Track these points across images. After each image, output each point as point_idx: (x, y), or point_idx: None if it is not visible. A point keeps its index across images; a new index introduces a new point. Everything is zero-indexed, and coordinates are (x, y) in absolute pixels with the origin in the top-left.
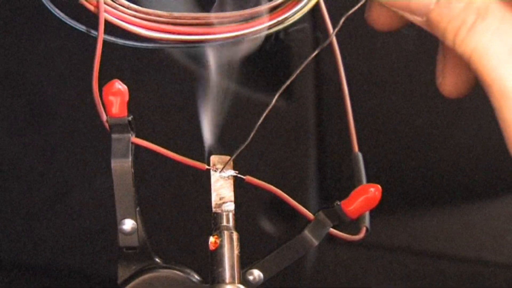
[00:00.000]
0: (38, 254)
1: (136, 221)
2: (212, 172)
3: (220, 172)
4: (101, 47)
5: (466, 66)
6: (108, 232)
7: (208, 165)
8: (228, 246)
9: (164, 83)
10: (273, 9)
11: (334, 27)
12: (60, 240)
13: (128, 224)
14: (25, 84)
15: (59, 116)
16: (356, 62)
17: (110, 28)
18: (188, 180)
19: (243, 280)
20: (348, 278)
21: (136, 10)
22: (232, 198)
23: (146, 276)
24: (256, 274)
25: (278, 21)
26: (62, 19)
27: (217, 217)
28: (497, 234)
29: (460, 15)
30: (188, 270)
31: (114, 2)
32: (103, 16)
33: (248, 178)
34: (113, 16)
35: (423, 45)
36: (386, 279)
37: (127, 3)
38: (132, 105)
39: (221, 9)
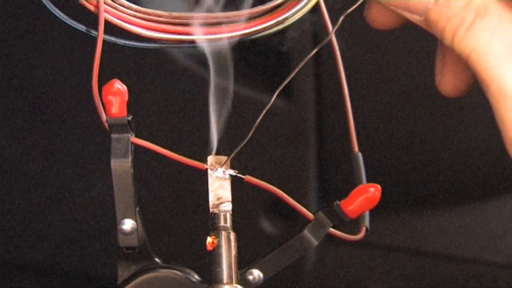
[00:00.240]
0: (38, 254)
1: (136, 221)
2: (209, 172)
3: (218, 171)
4: (101, 47)
5: (464, 65)
6: (107, 232)
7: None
8: (225, 246)
9: (164, 83)
10: (273, 9)
11: (334, 27)
12: (60, 240)
13: (128, 224)
14: (25, 84)
15: (59, 116)
16: (356, 62)
17: (110, 28)
18: (188, 180)
19: (243, 280)
20: (348, 278)
21: (136, 10)
22: (230, 198)
23: (145, 276)
24: (255, 274)
25: (278, 21)
26: (62, 19)
27: (214, 217)
28: (497, 234)
29: (459, 14)
30: (188, 270)
31: (114, 2)
32: (103, 16)
33: (247, 178)
34: (113, 16)
35: (423, 44)
36: (386, 279)
37: (127, 3)
38: (132, 105)
39: (221, 9)
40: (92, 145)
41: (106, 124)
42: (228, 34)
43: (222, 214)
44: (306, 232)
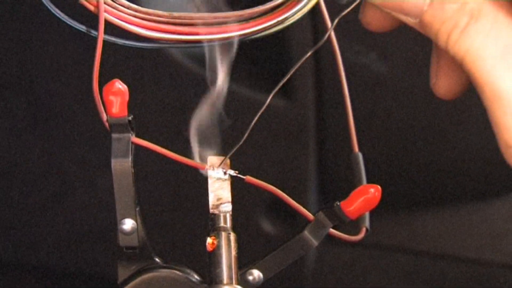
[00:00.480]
0: (38, 254)
1: (136, 221)
2: (209, 173)
3: (218, 172)
4: (101, 47)
5: (459, 67)
6: (108, 232)
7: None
8: (225, 247)
9: (164, 83)
10: (273, 9)
11: (334, 27)
12: (60, 240)
13: (128, 224)
14: (25, 84)
15: (60, 116)
16: (356, 62)
17: (110, 28)
18: (188, 180)
19: (243, 280)
20: (348, 278)
21: (136, 10)
22: (230, 199)
23: (145, 276)
24: (255, 274)
25: (278, 21)
26: (62, 19)
27: (214, 218)
28: (497, 234)
29: (453, 17)
30: (188, 270)
31: (114, 2)
32: (103, 16)
33: (248, 178)
34: (113, 16)
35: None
36: (386, 279)
37: (127, 3)
38: (132, 105)
39: (221, 9)
40: (92, 145)
41: (106, 124)
42: (228, 34)
43: (222, 214)
44: (306, 233)
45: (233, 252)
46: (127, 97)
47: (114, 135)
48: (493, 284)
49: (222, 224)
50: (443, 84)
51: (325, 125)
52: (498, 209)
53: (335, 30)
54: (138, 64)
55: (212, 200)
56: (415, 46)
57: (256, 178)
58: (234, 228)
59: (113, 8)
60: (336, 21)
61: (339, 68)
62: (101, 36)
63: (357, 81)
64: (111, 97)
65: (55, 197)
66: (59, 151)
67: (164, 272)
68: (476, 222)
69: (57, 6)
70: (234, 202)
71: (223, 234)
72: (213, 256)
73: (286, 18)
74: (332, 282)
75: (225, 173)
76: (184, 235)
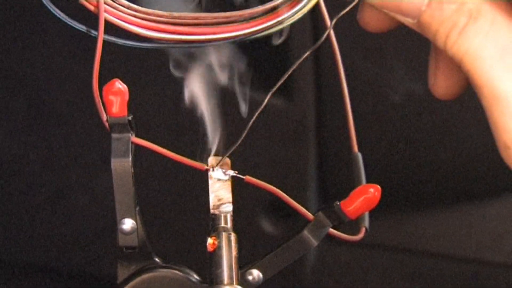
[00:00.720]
0: (38, 254)
1: (135, 220)
2: (210, 174)
3: (218, 172)
4: (101, 47)
5: (457, 68)
6: (108, 232)
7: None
8: (226, 247)
9: (164, 83)
10: (273, 9)
11: (334, 27)
12: (60, 240)
13: (128, 224)
14: (25, 84)
15: (59, 116)
16: (356, 62)
17: (110, 28)
18: (188, 180)
19: (243, 280)
20: (348, 278)
21: (136, 10)
22: (230, 200)
23: (145, 276)
24: (255, 274)
25: (278, 21)
26: (62, 19)
27: (215, 218)
28: (497, 234)
29: (452, 17)
30: (188, 270)
31: (114, 2)
32: (103, 16)
33: (248, 178)
34: (113, 16)
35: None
36: (386, 279)
37: (127, 3)
38: (132, 105)
39: (221, 9)
40: (92, 145)
41: (106, 124)
42: (228, 34)
43: (222, 215)
44: (306, 233)
45: (234, 253)
46: (127, 97)
47: (114, 135)
48: (493, 284)
49: (222, 224)
50: (441, 85)
51: (325, 125)
52: (498, 209)
53: (335, 30)
54: (138, 64)
55: (212, 200)
56: (415, 45)
57: (256, 178)
58: (234, 228)
59: (113, 8)
60: (334, 20)
61: (339, 68)
62: (101, 36)
63: (357, 81)
64: (111, 97)
65: (55, 197)
66: (58, 151)
67: (164, 272)
68: (476, 222)
69: (57, 6)
70: (234, 202)
71: (224, 234)
72: (214, 257)
73: (286, 18)
74: (332, 282)
75: (225, 173)
76: (184, 235)
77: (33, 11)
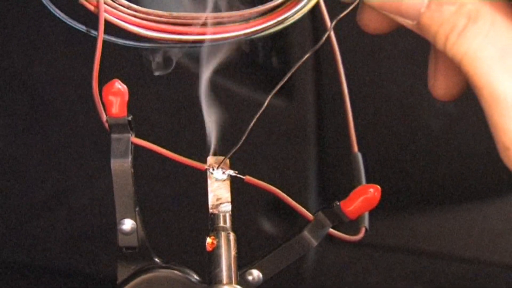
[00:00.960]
0: (38, 254)
1: (135, 221)
2: (208, 173)
3: (217, 172)
4: (101, 47)
5: (457, 69)
6: (107, 232)
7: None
8: (225, 247)
9: (164, 83)
10: (273, 9)
11: (334, 28)
12: (60, 240)
13: (128, 224)
14: (25, 84)
15: (59, 116)
16: (356, 62)
17: (110, 28)
18: (188, 180)
19: (242, 280)
20: (348, 278)
21: (136, 10)
22: (229, 199)
23: (145, 276)
24: (255, 274)
25: (278, 21)
26: (62, 19)
27: (214, 218)
28: (497, 234)
29: (451, 19)
30: (187, 270)
31: (114, 2)
32: (103, 16)
33: (247, 178)
34: (113, 16)
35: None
36: (386, 279)
37: (127, 3)
38: (132, 105)
39: (221, 9)
40: (92, 145)
41: (106, 124)
42: (228, 34)
43: (221, 214)
44: (305, 233)
45: (233, 252)
46: (126, 97)
47: (114, 135)
48: (493, 284)
49: (221, 224)
50: (441, 86)
51: (325, 125)
52: (498, 209)
53: (335, 30)
54: (138, 64)
55: (211, 200)
56: (416, 45)
57: (256, 178)
58: (234, 228)
59: (113, 8)
60: (334, 22)
61: (339, 68)
62: (101, 36)
63: (357, 81)
64: (111, 97)
65: (55, 197)
66: (59, 151)
67: (164, 272)
68: (476, 222)
69: (57, 6)
70: (233, 202)
71: (223, 234)
72: (213, 256)
73: (286, 18)
74: (331, 282)
75: (224, 173)
76: (183, 235)
77: (33, 11)
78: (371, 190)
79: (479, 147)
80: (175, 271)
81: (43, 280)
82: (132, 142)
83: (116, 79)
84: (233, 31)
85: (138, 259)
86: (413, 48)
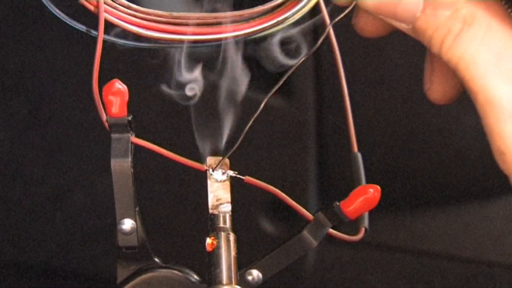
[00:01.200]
0: (38, 254)
1: (135, 221)
2: (208, 174)
3: (216, 172)
4: (101, 47)
5: (453, 73)
6: (107, 232)
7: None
8: (225, 247)
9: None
10: (273, 9)
11: (334, 28)
12: (60, 240)
13: (128, 224)
14: (25, 84)
15: (59, 116)
16: (356, 62)
17: (110, 28)
18: (188, 180)
19: (242, 280)
20: (348, 278)
21: (136, 10)
22: (229, 199)
23: (145, 276)
24: (255, 274)
25: (278, 21)
26: (62, 19)
27: (214, 218)
28: (497, 234)
29: (447, 23)
30: (187, 270)
31: (114, 2)
32: (103, 16)
33: (247, 178)
34: (113, 16)
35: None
36: (386, 279)
37: (127, 3)
38: (132, 105)
39: (221, 9)
40: (92, 145)
41: (106, 124)
42: (228, 34)
43: (221, 215)
44: (305, 233)
45: (233, 253)
46: (126, 97)
47: (114, 135)
48: (493, 284)
49: (221, 224)
50: (437, 89)
51: (325, 125)
52: (498, 209)
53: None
54: (138, 64)
55: (211, 200)
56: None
57: (256, 178)
58: (234, 228)
59: (113, 8)
60: (331, 24)
61: (339, 68)
62: (101, 36)
63: (357, 81)
64: (111, 97)
65: (55, 197)
66: (59, 151)
67: (163, 272)
68: (476, 222)
69: (57, 6)
70: (233, 202)
71: (223, 234)
72: (213, 256)
73: (286, 18)
74: (331, 282)
75: (224, 173)
76: (183, 235)
77: (33, 11)
78: (371, 190)
79: (479, 148)
80: (175, 271)
81: (43, 280)
82: (132, 142)
83: (116, 79)
84: (233, 31)
85: (138, 259)
86: (413, 48)
